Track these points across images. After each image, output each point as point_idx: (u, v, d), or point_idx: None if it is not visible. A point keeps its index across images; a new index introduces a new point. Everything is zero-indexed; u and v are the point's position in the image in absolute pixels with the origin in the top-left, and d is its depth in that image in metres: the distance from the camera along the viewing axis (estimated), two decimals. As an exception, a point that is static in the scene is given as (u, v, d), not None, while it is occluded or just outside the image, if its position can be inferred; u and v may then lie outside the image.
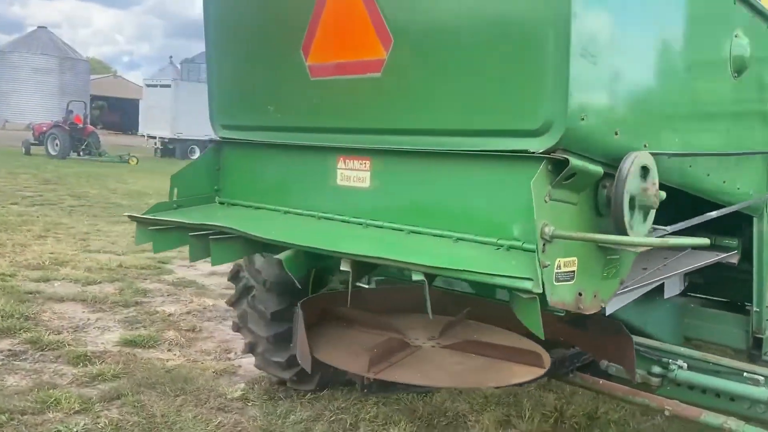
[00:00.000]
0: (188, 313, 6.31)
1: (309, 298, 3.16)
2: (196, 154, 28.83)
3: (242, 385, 4.57)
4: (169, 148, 32.83)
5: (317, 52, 2.42)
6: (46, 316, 5.79)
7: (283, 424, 3.97)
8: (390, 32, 2.15)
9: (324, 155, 2.45)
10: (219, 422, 3.94)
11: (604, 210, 2.05)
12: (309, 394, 4.37)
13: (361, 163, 2.34)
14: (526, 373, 2.49)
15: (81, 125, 28.31)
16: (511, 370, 2.51)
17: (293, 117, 2.58)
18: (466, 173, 2.04)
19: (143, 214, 2.78)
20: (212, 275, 8.01)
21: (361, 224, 2.27)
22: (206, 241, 2.45)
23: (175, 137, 32.44)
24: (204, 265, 8.54)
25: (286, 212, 2.54)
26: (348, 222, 2.34)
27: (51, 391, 4.15)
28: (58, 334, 5.35)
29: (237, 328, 4.34)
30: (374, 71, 2.19)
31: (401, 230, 2.13)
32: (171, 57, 55.20)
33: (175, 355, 5.09)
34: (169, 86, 34.12)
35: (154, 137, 33.83)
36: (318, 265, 3.07)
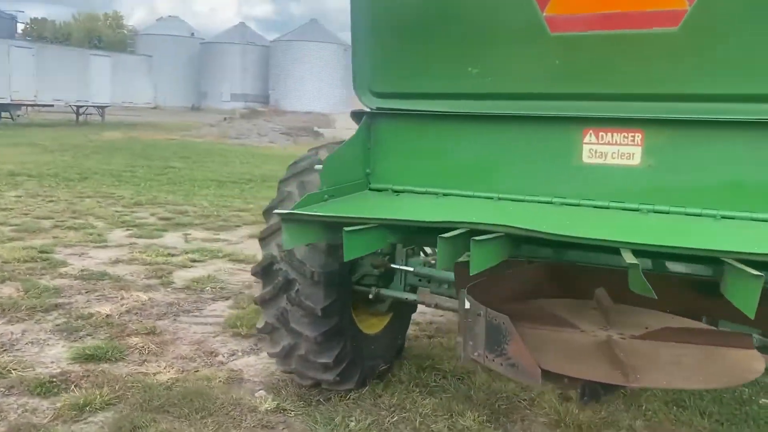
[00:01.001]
0: (129, 312, 5.36)
1: (474, 286, 2.67)
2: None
3: (264, 393, 3.94)
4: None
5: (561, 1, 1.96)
6: (-49, 336, 4.58)
7: (351, 434, 3.48)
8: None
9: (560, 127, 2.02)
10: (277, 444, 3.35)
11: None
12: (350, 394, 3.88)
13: (626, 137, 1.95)
14: (752, 358, 2.29)
15: None
16: (737, 357, 2.31)
17: (511, 81, 2.09)
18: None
19: (300, 210, 2.15)
20: (117, 263, 6.95)
21: (635, 210, 1.90)
22: (457, 244, 1.92)
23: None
24: (97, 252, 7.40)
25: (497, 199, 2.07)
26: (606, 208, 1.95)
27: (42, 435, 3.25)
28: (-13, 357, 4.24)
29: (270, 329, 3.69)
30: (669, 25, 1.80)
31: (701, 215, 1.79)
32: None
33: (156, 366, 4.26)
34: None
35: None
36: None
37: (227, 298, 5.94)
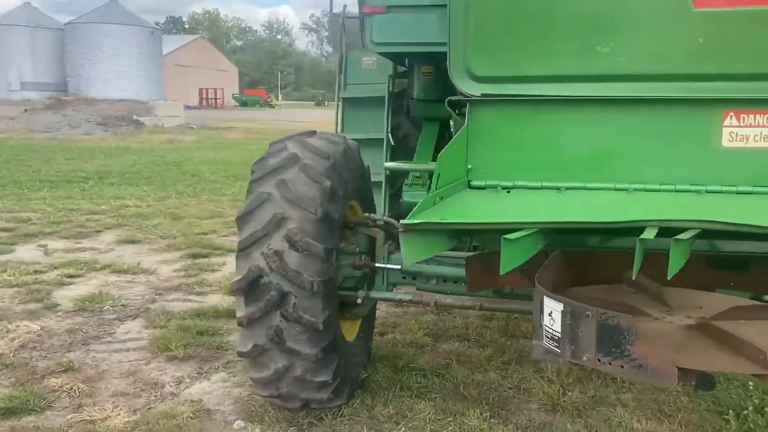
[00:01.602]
0: (25, 347, 4.49)
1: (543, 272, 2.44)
2: None
3: (243, 423, 3.48)
4: None
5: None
6: None
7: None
8: None
9: (698, 110, 1.88)
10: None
11: None
12: (341, 410, 3.55)
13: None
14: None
15: None
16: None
17: (648, 60, 1.89)
18: None
19: (426, 219, 1.81)
20: (-26, 287, 5.83)
21: (783, 195, 1.84)
22: (648, 245, 1.68)
23: None
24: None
25: (632, 189, 1.89)
26: (749, 194, 1.86)
27: None
28: None
29: (258, 352, 3.22)
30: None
31: None
32: None
33: (99, 410, 3.58)
34: None
35: None
36: None
37: (134, 317, 5.21)
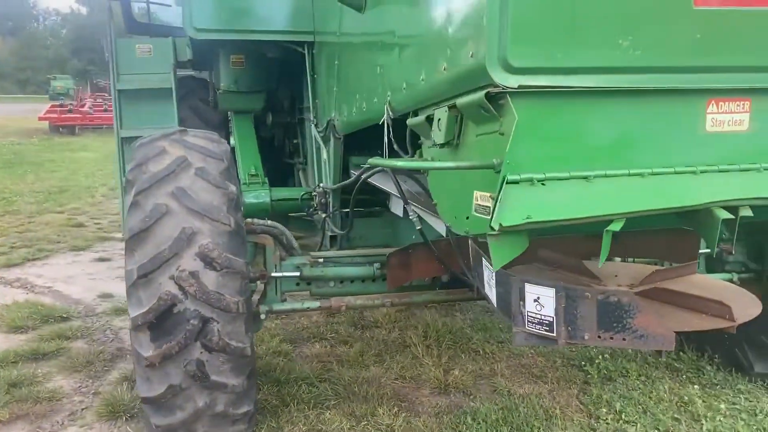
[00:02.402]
0: None
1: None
2: None
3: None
4: None
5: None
6: None
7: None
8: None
9: (687, 98, 2.06)
10: None
11: None
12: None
13: (738, 105, 2.12)
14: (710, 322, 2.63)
15: None
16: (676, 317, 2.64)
17: (653, 54, 1.97)
18: None
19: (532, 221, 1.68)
20: None
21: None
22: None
23: None
24: None
25: (649, 174, 1.99)
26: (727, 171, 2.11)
27: None
28: None
29: (172, 394, 2.72)
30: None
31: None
32: None
33: None
34: None
35: None
36: None
37: None
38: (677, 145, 2.12)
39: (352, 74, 3.51)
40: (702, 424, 3.40)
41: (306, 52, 4.56)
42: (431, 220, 3.31)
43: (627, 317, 2.26)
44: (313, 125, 4.58)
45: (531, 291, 2.46)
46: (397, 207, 3.86)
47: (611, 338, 2.31)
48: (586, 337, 2.32)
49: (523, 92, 1.89)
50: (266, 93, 5.47)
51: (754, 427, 3.36)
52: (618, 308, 2.26)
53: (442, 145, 2.31)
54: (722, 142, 2.17)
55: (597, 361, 4.13)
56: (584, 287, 2.34)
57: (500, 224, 1.82)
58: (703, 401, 3.63)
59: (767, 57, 2.11)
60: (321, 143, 4.43)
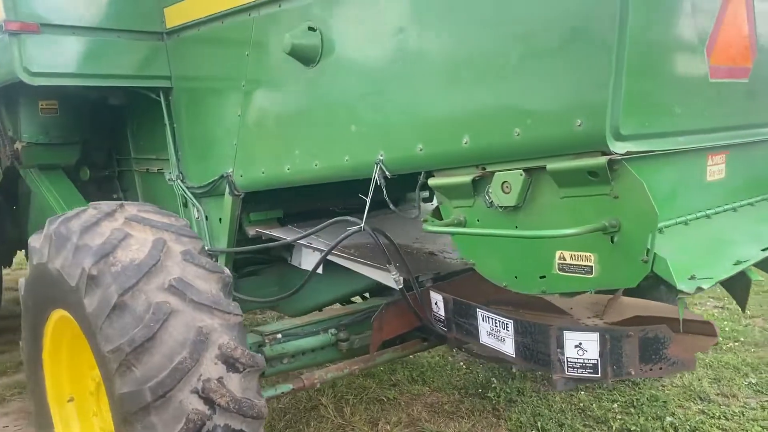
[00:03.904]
0: None
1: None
2: None
3: None
4: None
5: (718, 54, 2.30)
6: None
7: None
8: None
9: (697, 155, 2.40)
10: None
11: None
12: None
13: (720, 158, 2.52)
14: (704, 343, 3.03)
15: None
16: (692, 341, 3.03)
17: (689, 119, 2.25)
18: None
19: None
20: None
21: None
22: None
23: None
24: None
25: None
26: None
27: None
28: None
29: None
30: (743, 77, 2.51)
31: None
32: None
33: None
34: None
35: None
36: None
37: None
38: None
39: (280, 127, 3.25)
40: (610, 425, 3.89)
41: (162, 98, 4.03)
42: (379, 275, 3.24)
43: (663, 348, 2.54)
44: (177, 180, 4.04)
45: (571, 338, 2.60)
46: (305, 261, 3.66)
47: (650, 369, 2.57)
48: (632, 373, 2.54)
49: (634, 157, 2.06)
50: (81, 144, 4.64)
51: (649, 416, 3.96)
52: (656, 342, 2.53)
53: (505, 208, 2.32)
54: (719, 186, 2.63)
55: (493, 386, 4.42)
56: (623, 328, 2.54)
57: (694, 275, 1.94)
58: (598, 404, 4.15)
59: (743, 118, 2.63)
60: (192, 200, 3.95)
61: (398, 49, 2.57)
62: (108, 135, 4.80)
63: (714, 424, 3.87)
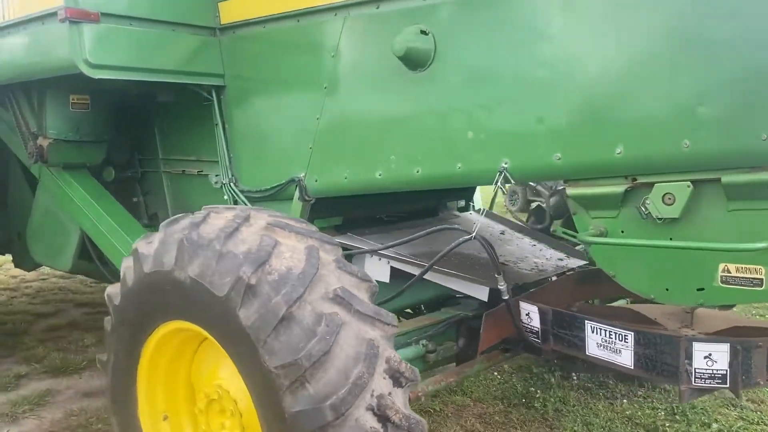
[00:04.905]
0: None
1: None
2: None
3: None
4: None
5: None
6: None
7: None
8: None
9: None
10: None
11: None
12: None
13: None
14: None
15: None
16: None
17: None
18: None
19: None
20: None
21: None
22: None
23: None
24: None
25: None
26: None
27: None
28: None
29: None
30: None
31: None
32: None
33: None
34: None
35: None
36: None
37: None
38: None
39: (372, 132, 3.16)
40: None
41: (214, 97, 3.83)
42: (468, 288, 3.20)
43: (783, 355, 2.61)
44: (230, 184, 3.85)
45: (700, 349, 2.63)
46: (368, 269, 3.56)
47: (774, 377, 2.63)
48: (761, 382, 2.59)
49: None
50: (107, 143, 4.36)
51: (696, 423, 4.07)
52: (780, 350, 2.59)
53: (663, 220, 2.32)
54: None
55: (537, 396, 4.42)
56: (752, 339, 2.59)
57: None
58: (642, 412, 4.23)
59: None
60: (246, 204, 3.77)
61: (540, 55, 2.54)
62: (131, 134, 4.53)
63: (756, 430, 4.02)
